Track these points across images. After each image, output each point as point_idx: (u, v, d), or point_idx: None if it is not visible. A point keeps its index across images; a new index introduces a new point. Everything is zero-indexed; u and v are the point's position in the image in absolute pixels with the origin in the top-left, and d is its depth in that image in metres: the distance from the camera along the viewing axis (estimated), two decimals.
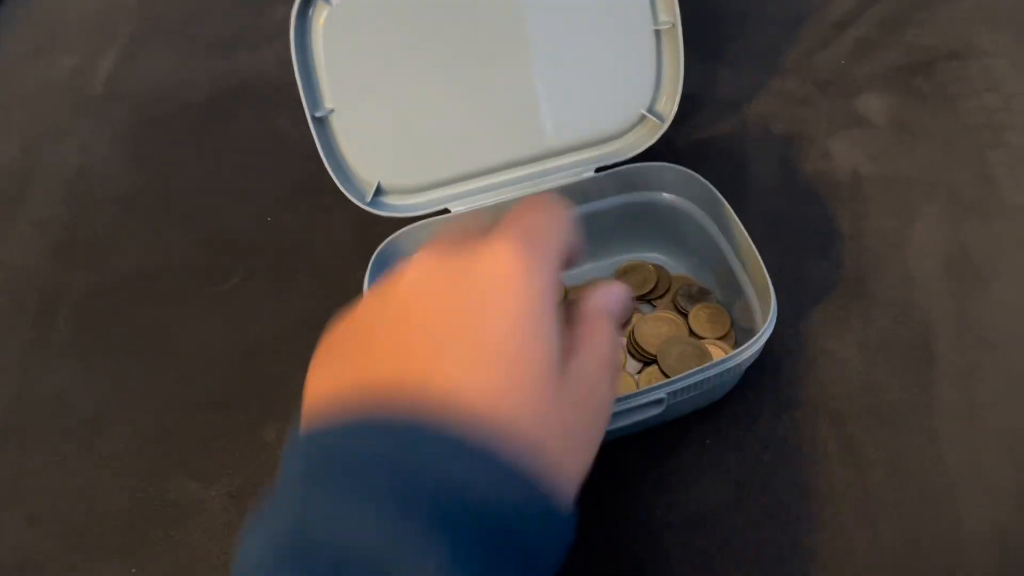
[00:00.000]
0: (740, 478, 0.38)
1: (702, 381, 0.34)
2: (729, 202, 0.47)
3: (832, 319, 0.43)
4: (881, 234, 0.46)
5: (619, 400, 0.34)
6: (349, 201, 0.42)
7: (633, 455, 0.39)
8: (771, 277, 0.41)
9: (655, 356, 0.40)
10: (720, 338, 0.41)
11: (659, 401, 0.34)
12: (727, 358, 0.34)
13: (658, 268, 0.44)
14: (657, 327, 0.41)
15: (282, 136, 0.54)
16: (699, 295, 0.43)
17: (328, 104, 0.41)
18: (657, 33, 0.42)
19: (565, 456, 0.23)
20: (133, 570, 0.37)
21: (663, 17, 0.42)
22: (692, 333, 0.41)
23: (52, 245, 0.50)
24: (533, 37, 0.41)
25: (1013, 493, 0.36)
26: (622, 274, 0.45)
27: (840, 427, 0.39)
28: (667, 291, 0.43)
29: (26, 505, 0.40)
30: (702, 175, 0.42)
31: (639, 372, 0.41)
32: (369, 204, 0.42)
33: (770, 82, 0.55)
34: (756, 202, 0.48)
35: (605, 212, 0.44)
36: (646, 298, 0.44)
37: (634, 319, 0.42)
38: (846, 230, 0.46)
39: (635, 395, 0.34)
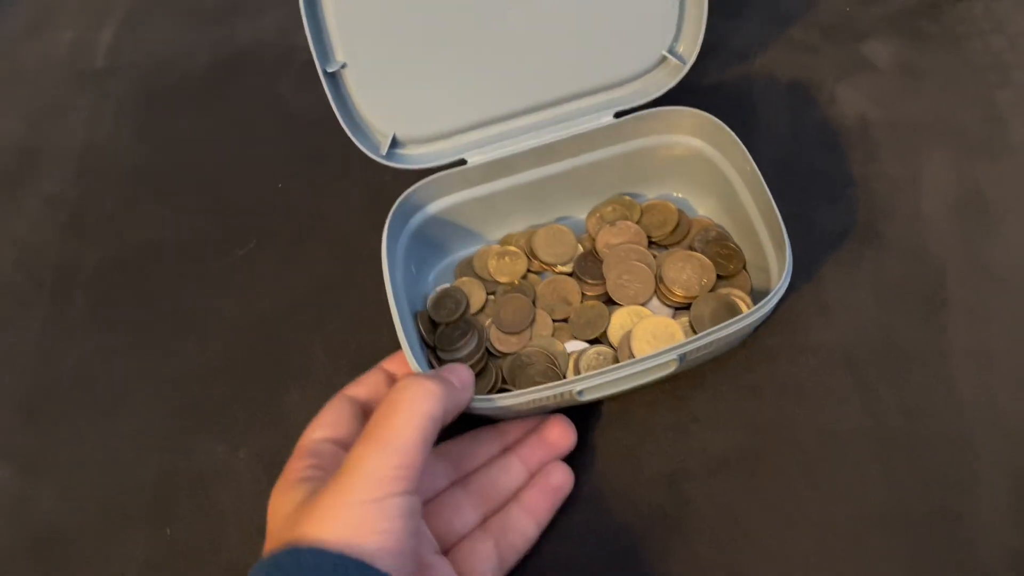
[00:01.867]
0: (757, 424, 0.38)
1: (715, 340, 0.34)
2: None
3: (844, 264, 0.43)
4: (890, 178, 0.46)
5: (635, 362, 0.34)
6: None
7: (648, 406, 0.39)
8: (783, 224, 0.42)
9: (686, 302, 0.40)
10: (733, 277, 0.41)
11: (671, 363, 0.34)
12: (741, 317, 0.34)
13: (680, 212, 0.44)
14: (682, 268, 0.41)
15: (284, 103, 0.54)
16: (716, 240, 0.42)
17: (339, 58, 0.40)
18: None
19: None
20: (168, 530, 0.38)
21: None
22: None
23: (64, 221, 0.50)
24: None
25: None
26: (646, 211, 0.44)
27: (855, 371, 0.39)
28: (687, 235, 0.43)
29: (55, 480, 0.40)
30: None
31: (674, 317, 0.41)
32: (385, 157, 0.42)
33: (775, 30, 0.54)
34: (765, 150, 0.48)
35: (627, 155, 0.44)
36: (665, 241, 0.43)
37: (657, 260, 0.42)
38: (855, 175, 0.46)
39: (647, 358, 0.34)
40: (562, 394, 0.34)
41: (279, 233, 0.48)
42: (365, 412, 0.34)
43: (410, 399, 0.30)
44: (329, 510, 0.27)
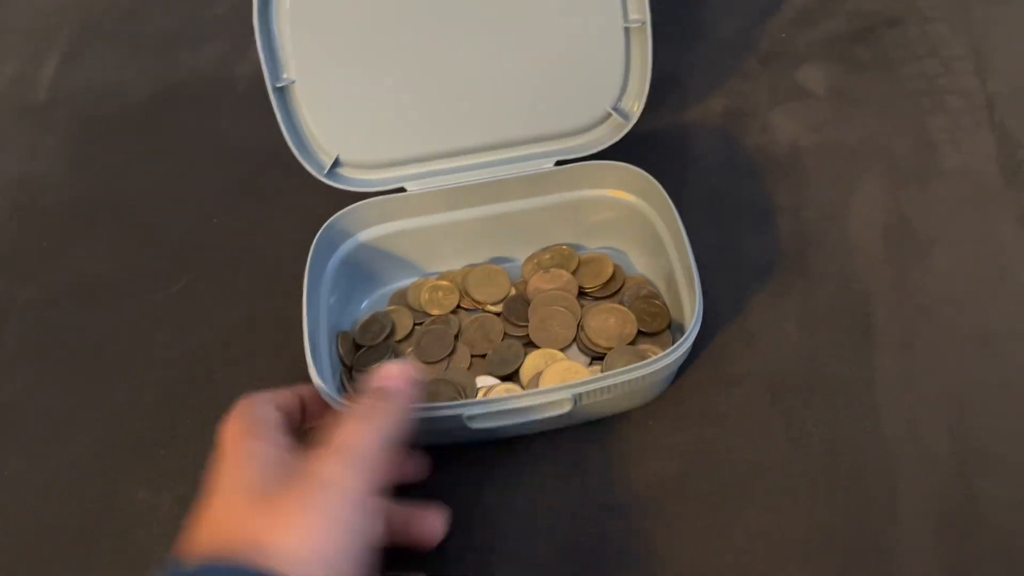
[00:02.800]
0: (683, 457, 0.38)
1: (613, 386, 0.34)
2: (671, 181, 0.47)
3: (772, 294, 0.43)
4: (820, 206, 0.46)
5: (528, 394, 0.34)
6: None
7: (575, 442, 0.39)
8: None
9: (604, 351, 0.40)
10: (656, 335, 0.41)
11: (565, 402, 0.35)
12: (638, 366, 0.34)
13: (616, 267, 0.44)
14: (605, 319, 0.41)
15: (224, 135, 0.54)
16: (646, 297, 0.42)
17: (289, 74, 0.41)
18: (627, 30, 0.42)
19: None
20: None
21: (633, 15, 0.42)
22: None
23: None
24: (503, 24, 0.41)
25: (949, 461, 0.37)
26: (584, 263, 0.44)
27: (780, 402, 0.39)
28: (619, 290, 0.43)
29: None
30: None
31: (590, 365, 0.41)
32: (326, 176, 0.43)
33: (711, 57, 0.55)
34: (696, 180, 0.48)
35: (566, 204, 0.44)
36: (597, 293, 0.43)
37: (583, 309, 0.42)
38: (785, 204, 0.46)
39: (539, 392, 0.34)
40: (452, 418, 0.34)
41: (213, 267, 0.48)
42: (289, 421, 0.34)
43: (388, 414, 0.31)
44: (295, 527, 0.27)
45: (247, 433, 0.31)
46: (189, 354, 0.44)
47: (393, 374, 0.33)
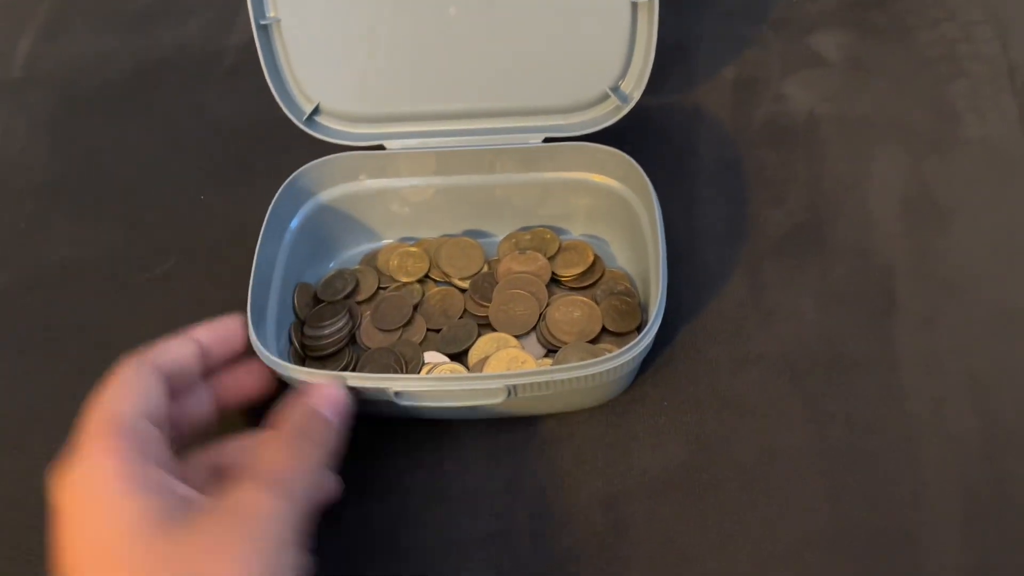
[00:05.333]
0: (699, 439, 0.36)
1: (552, 383, 0.32)
2: (682, 153, 0.45)
3: (788, 269, 0.41)
4: (838, 177, 0.44)
5: (456, 378, 0.33)
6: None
7: (584, 425, 0.37)
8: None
9: (561, 345, 0.38)
10: (623, 335, 0.38)
11: (498, 391, 0.32)
12: (574, 366, 0.32)
13: (597, 257, 0.41)
14: (569, 312, 0.39)
15: (208, 111, 0.51)
16: (621, 294, 0.40)
17: (274, 12, 0.39)
18: (634, 6, 0.39)
19: None
20: None
21: None
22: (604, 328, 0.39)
23: None
24: None
25: (976, 442, 0.35)
26: (565, 249, 0.42)
27: (799, 382, 0.37)
28: (596, 282, 0.41)
29: None
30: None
31: (544, 358, 0.39)
32: (305, 123, 0.42)
33: (720, 25, 0.52)
34: (709, 151, 0.46)
35: (550, 184, 0.42)
36: (572, 283, 0.41)
37: (551, 299, 0.40)
38: (802, 175, 0.44)
39: (469, 378, 0.33)
40: (380, 391, 0.32)
41: (200, 247, 0.45)
42: (171, 386, 0.31)
43: (321, 444, 0.30)
44: (229, 563, 0.25)
45: (113, 478, 0.26)
46: None
47: (331, 400, 0.31)
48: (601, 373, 0.32)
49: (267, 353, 0.34)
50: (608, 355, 0.32)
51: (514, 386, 0.32)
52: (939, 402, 0.36)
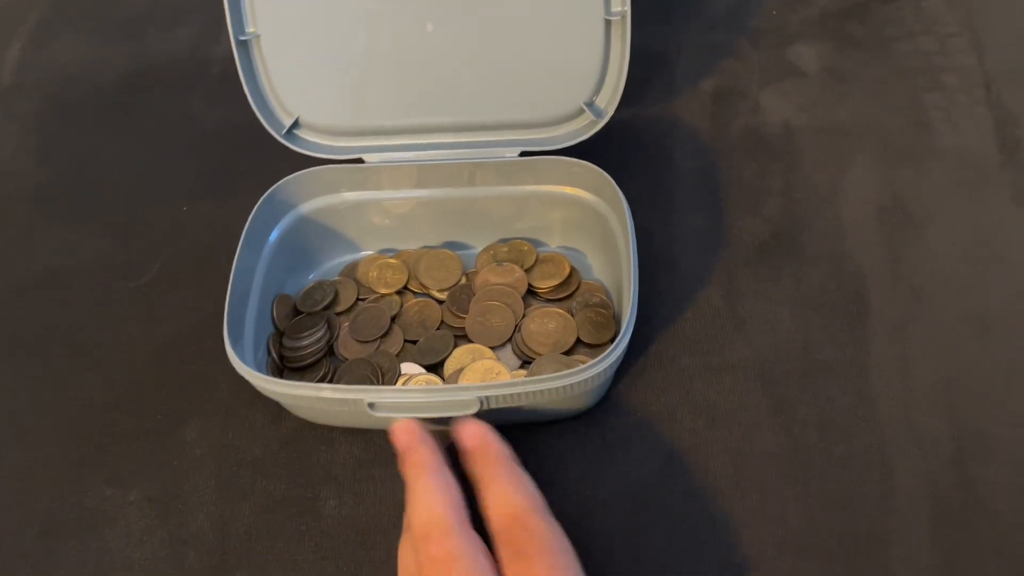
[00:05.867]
0: (671, 448, 0.37)
1: (525, 394, 0.33)
2: (660, 163, 0.46)
3: (763, 278, 0.42)
4: (812, 187, 0.45)
5: (431, 389, 0.33)
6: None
7: (558, 436, 0.37)
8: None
9: (536, 356, 0.38)
10: (598, 347, 0.39)
11: (471, 403, 0.33)
12: (544, 378, 0.32)
13: (573, 269, 0.42)
14: (544, 323, 0.39)
15: (197, 120, 0.52)
16: (596, 306, 0.40)
17: (253, 28, 0.40)
18: (607, 23, 0.40)
19: None
20: None
21: (615, 7, 0.40)
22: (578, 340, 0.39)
23: None
24: (482, 3, 0.40)
25: (945, 447, 0.36)
26: (542, 261, 0.42)
27: (772, 389, 0.38)
28: (572, 294, 0.41)
29: None
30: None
31: (519, 368, 0.39)
32: (284, 136, 0.42)
33: (700, 36, 0.53)
34: (686, 161, 0.47)
35: (527, 197, 0.42)
36: (548, 295, 0.42)
37: (527, 311, 0.40)
38: (777, 185, 0.45)
39: (444, 389, 0.33)
40: (355, 401, 0.33)
41: (185, 256, 0.46)
42: None
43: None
44: None
45: None
46: (160, 345, 0.43)
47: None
48: (573, 384, 0.33)
49: (244, 365, 0.34)
50: (580, 367, 0.33)
51: (486, 397, 0.33)
52: (910, 407, 0.37)
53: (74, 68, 0.56)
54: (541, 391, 0.32)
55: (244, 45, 0.40)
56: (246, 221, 0.40)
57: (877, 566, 0.33)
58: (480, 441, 0.32)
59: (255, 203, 0.41)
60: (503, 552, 0.29)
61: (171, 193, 0.49)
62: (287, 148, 0.43)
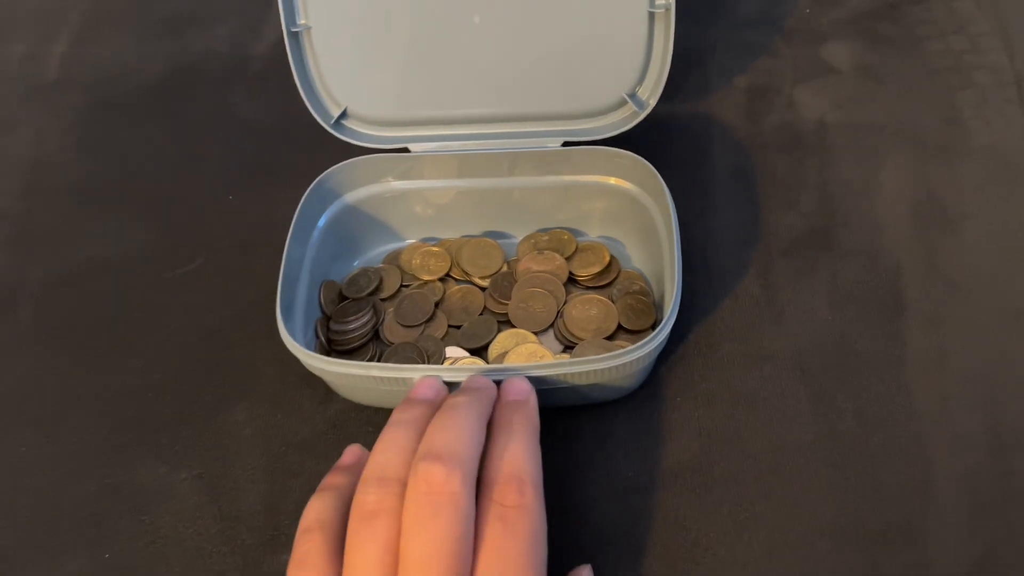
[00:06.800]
0: (711, 434, 0.37)
1: (568, 375, 0.33)
2: (696, 159, 0.46)
3: (800, 270, 0.42)
4: (847, 182, 0.45)
5: (473, 369, 0.34)
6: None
7: (599, 419, 0.38)
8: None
9: (578, 342, 0.39)
10: (639, 333, 0.39)
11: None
12: (586, 360, 0.33)
13: (613, 258, 0.43)
14: (586, 310, 0.40)
15: (237, 115, 0.53)
16: (636, 293, 0.41)
17: (305, 20, 0.41)
18: (651, 15, 0.41)
19: None
20: (107, 555, 0.37)
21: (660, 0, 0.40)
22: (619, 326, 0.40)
23: (8, 238, 0.49)
24: None
25: (982, 438, 0.36)
26: (582, 250, 0.43)
27: (810, 379, 0.38)
28: (611, 282, 0.42)
29: None
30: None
31: (561, 353, 0.40)
32: (332, 126, 0.43)
33: (733, 34, 0.54)
34: (722, 156, 0.47)
35: (569, 187, 0.43)
36: (588, 283, 0.42)
37: (568, 297, 0.41)
38: (812, 180, 0.46)
39: (485, 370, 0.34)
40: (393, 380, 0.34)
41: (228, 246, 0.47)
42: None
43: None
44: None
45: None
46: (206, 333, 0.43)
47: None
48: (618, 367, 0.33)
49: (297, 345, 0.35)
50: (627, 348, 0.33)
51: (533, 378, 0.33)
52: (947, 399, 0.37)
53: (116, 65, 0.58)
54: (586, 372, 0.33)
55: (295, 37, 0.41)
56: (288, 211, 0.41)
57: (916, 555, 0.34)
58: (524, 397, 0.33)
59: (297, 194, 0.42)
60: (484, 503, 0.29)
61: (214, 185, 0.50)
62: (326, 140, 0.44)
